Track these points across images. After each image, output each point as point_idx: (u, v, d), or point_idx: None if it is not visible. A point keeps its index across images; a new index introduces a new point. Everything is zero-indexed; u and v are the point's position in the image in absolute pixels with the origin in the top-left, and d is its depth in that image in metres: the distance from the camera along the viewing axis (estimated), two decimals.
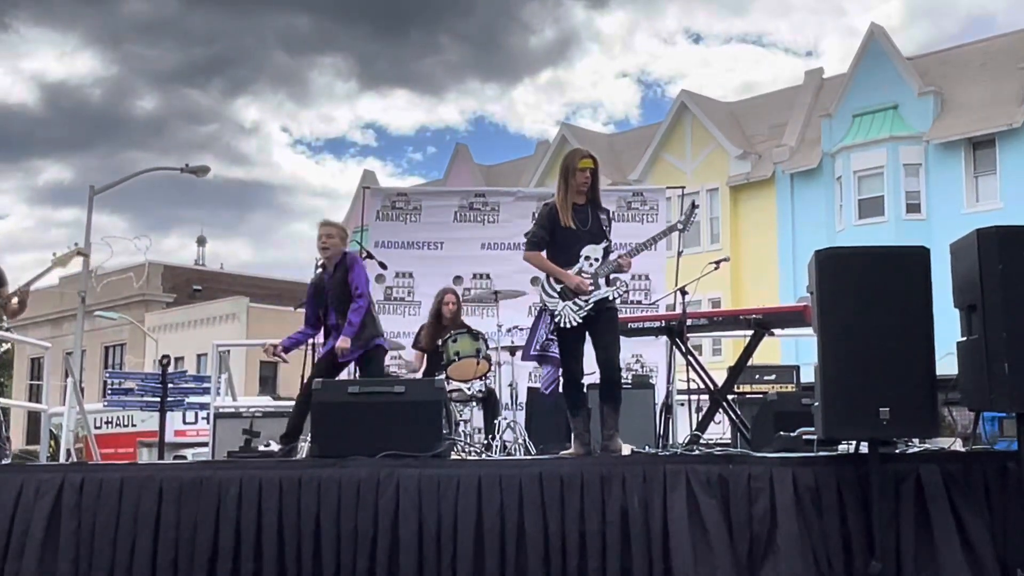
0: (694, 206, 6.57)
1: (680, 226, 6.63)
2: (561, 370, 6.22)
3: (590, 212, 6.22)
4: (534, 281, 10.07)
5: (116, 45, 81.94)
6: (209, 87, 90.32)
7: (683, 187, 12.21)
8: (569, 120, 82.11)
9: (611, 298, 6.16)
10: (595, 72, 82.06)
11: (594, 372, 6.50)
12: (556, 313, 6.11)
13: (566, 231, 6.16)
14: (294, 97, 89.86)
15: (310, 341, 7.65)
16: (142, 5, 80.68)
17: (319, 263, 7.48)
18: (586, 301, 6.08)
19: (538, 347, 6.20)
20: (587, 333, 6.20)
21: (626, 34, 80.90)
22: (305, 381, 7.26)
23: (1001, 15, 65.02)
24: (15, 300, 7.28)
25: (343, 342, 7.07)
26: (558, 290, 6.14)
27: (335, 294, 7.25)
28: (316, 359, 7.52)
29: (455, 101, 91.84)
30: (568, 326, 6.08)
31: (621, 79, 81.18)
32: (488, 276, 10.23)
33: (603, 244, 6.21)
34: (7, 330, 22.69)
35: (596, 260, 6.16)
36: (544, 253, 6.23)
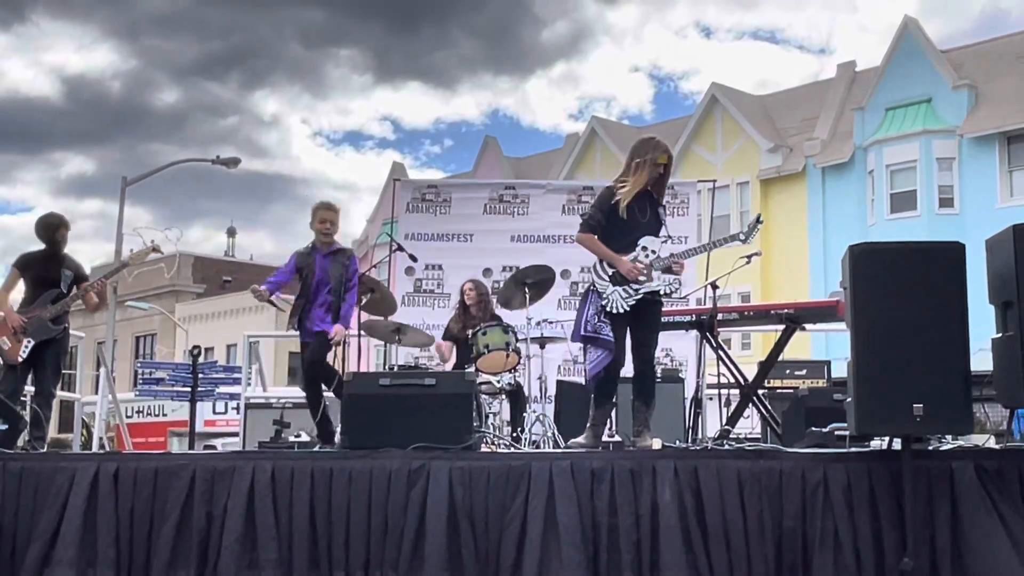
0: (759, 220, 6.55)
1: (742, 237, 6.60)
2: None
3: (650, 204, 6.21)
4: (564, 274, 10.10)
5: (134, 38, 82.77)
6: (228, 79, 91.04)
7: (714, 180, 12.10)
8: (583, 114, 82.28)
9: (662, 292, 6.13)
10: (608, 66, 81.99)
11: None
12: (604, 297, 6.07)
13: (627, 219, 6.11)
14: (311, 89, 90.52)
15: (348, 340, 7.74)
16: None
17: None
18: (636, 290, 6.06)
19: (589, 328, 6.08)
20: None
21: (637, 27, 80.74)
22: (308, 366, 7.36)
23: (1015, 11, 64.24)
24: (94, 295, 7.48)
25: (341, 331, 7.35)
26: (610, 273, 6.11)
27: (336, 277, 7.40)
28: (307, 345, 7.48)
29: (469, 94, 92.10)
30: (616, 311, 6.05)
31: (634, 73, 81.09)
32: (518, 269, 10.22)
33: (661, 238, 6.19)
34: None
35: (653, 252, 6.13)
36: (597, 236, 6.18)
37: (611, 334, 6.03)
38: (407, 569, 5.16)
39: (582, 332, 6.13)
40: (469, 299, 8.79)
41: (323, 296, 7.40)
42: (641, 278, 6.06)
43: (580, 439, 6.22)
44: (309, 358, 7.34)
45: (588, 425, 6.25)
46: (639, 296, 6.06)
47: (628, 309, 6.04)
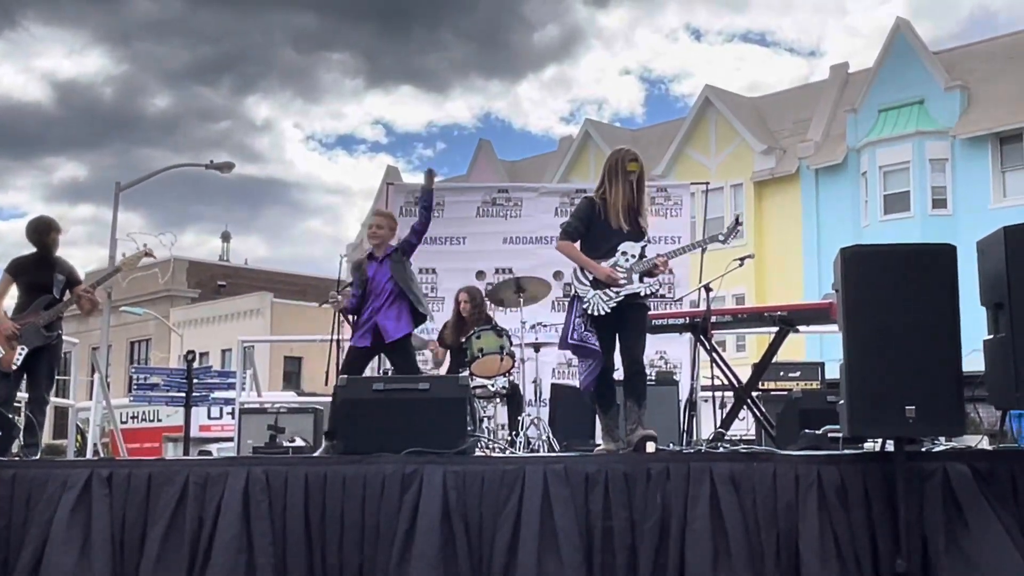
0: (738, 222, 6.59)
1: (721, 238, 6.61)
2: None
3: (629, 211, 6.23)
4: (557, 276, 10.11)
5: (125, 43, 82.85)
6: (220, 84, 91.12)
7: (707, 182, 12.12)
8: (575, 117, 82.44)
9: (643, 294, 6.17)
10: (599, 69, 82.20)
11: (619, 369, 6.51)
12: (586, 301, 6.13)
13: (605, 227, 6.19)
14: (303, 94, 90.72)
15: (335, 337, 7.74)
16: (149, 4, 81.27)
17: (367, 252, 7.68)
18: (616, 292, 6.11)
19: (576, 336, 6.13)
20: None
21: (628, 30, 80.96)
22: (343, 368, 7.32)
23: (1003, 13, 64.56)
24: (87, 300, 7.47)
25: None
26: (590, 279, 6.17)
27: (401, 276, 7.33)
28: (348, 351, 7.54)
29: (461, 97, 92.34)
30: (597, 314, 6.10)
31: (624, 76, 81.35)
32: (511, 271, 10.21)
33: (641, 243, 6.24)
34: None
35: (633, 256, 6.19)
36: (578, 245, 6.25)
37: (597, 342, 6.08)
38: (401, 573, 5.15)
39: (569, 340, 6.19)
40: (464, 310, 8.78)
41: (390, 299, 7.32)
42: (621, 282, 6.10)
43: (602, 447, 6.29)
44: (410, 369, 7.31)
45: (603, 433, 6.33)
46: (620, 299, 6.11)
47: (609, 311, 6.10)
